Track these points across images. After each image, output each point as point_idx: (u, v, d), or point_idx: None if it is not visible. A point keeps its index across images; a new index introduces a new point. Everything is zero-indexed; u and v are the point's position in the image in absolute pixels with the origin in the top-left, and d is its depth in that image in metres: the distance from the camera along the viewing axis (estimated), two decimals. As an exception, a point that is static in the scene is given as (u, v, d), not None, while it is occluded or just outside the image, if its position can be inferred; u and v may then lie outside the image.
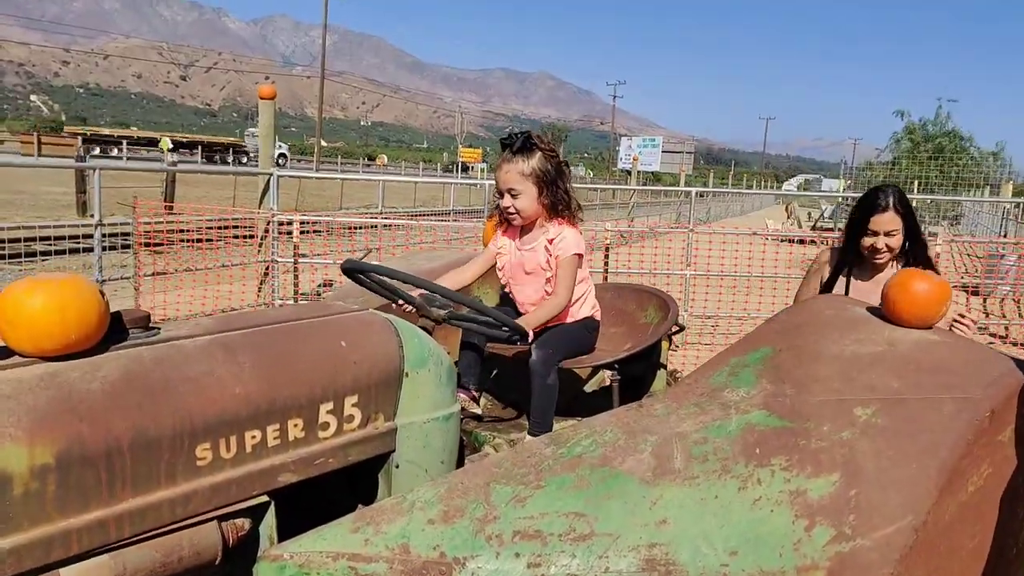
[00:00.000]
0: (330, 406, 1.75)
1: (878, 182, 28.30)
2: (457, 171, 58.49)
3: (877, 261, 2.89)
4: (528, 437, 2.45)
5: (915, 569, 1.45)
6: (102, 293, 1.54)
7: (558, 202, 2.58)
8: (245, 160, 57.95)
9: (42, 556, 1.36)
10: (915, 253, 2.89)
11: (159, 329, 1.69)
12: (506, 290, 2.82)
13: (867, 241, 2.86)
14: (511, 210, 2.59)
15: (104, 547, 1.44)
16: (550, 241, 2.61)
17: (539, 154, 2.53)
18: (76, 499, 1.39)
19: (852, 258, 2.97)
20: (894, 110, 30.15)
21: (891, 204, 2.83)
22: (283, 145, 64.92)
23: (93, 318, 1.48)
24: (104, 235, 7.22)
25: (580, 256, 2.61)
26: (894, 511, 1.45)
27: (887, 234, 2.83)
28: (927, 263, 2.86)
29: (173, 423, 1.51)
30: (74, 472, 1.38)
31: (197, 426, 1.54)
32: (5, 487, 1.31)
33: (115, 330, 1.59)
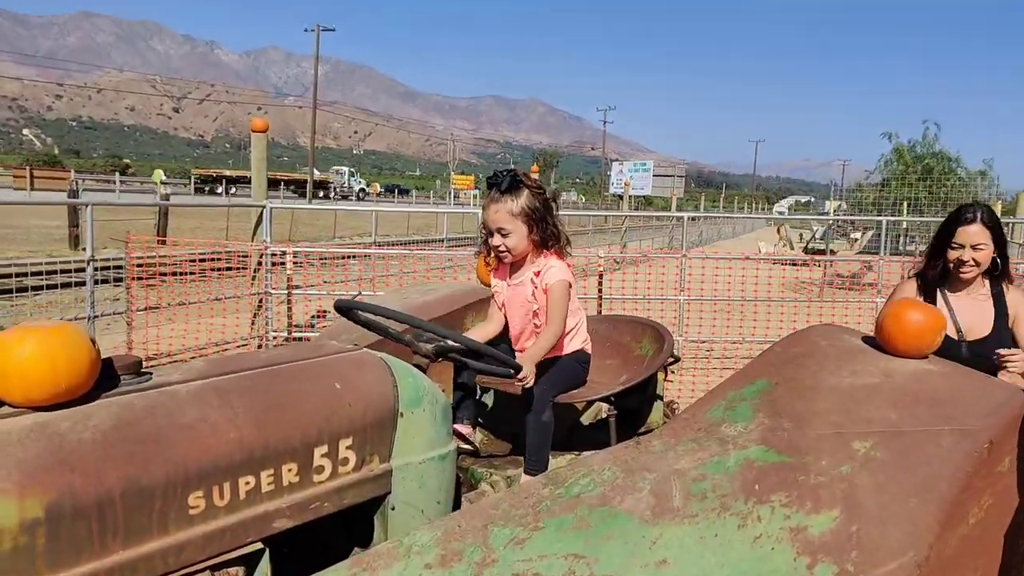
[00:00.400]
0: (325, 449, 1.74)
1: (869, 203, 28.52)
2: (450, 199, 58.70)
3: (963, 275, 2.86)
4: (525, 476, 2.42)
5: (919, 605, 1.43)
6: (93, 341, 1.52)
7: (547, 237, 2.59)
8: (330, 194, 61.13)
9: (32, 612, 1.33)
10: (1003, 271, 2.88)
11: (151, 375, 1.68)
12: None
13: (953, 254, 2.85)
14: (501, 248, 2.60)
15: None
16: (536, 274, 2.61)
17: (526, 192, 2.54)
18: (67, 553, 1.37)
19: (938, 276, 2.94)
20: (882, 132, 30.43)
21: (979, 218, 2.82)
22: (361, 181, 67.46)
23: (84, 366, 1.47)
24: (96, 269, 7.19)
25: (569, 284, 2.61)
26: (896, 547, 1.43)
27: (974, 247, 2.81)
28: (1009, 278, 2.87)
29: (166, 471, 1.49)
30: (65, 525, 1.36)
31: (191, 474, 1.52)
32: (-6, 542, 1.29)
33: (106, 377, 1.58)
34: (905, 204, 23.23)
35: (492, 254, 2.66)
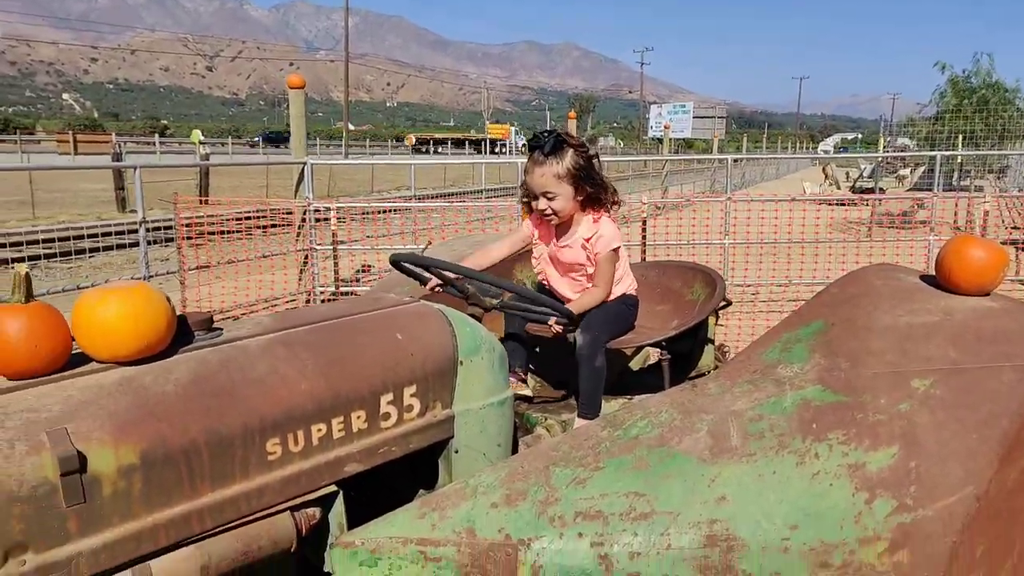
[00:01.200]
0: (390, 397, 1.81)
1: (921, 138, 27.51)
2: (485, 149, 58.23)
3: None
4: (578, 420, 2.48)
5: (977, 538, 1.46)
6: (168, 299, 1.60)
7: (594, 195, 2.56)
8: (504, 151, 60.62)
9: (133, 550, 1.44)
10: None
11: (222, 330, 1.75)
12: (539, 279, 2.83)
13: None
14: (548, 212, 2.55)
15: (189, 539, 1.51)
16: (587, 240, 2.59)
17: (571, 152, 2.48)
18: (161, 495, 1.46)
19: None
20: (935, 63, 29.08)
21: None
22: (523, 136, 66.76)
23: (162, 323, 1.55)
24: (148, 230, 7.41)
25: (617, 250, 2.61)
26: (955, 481, 1.45)
27: None
28: None
29: (243, 421, 1.57)
30: (157, 470, 1.45)
31: (266, 422, 1.60)
32: (95, 487, 1.38)
33: (181, 333, 1.66)
34: (960, 138, 22.37)
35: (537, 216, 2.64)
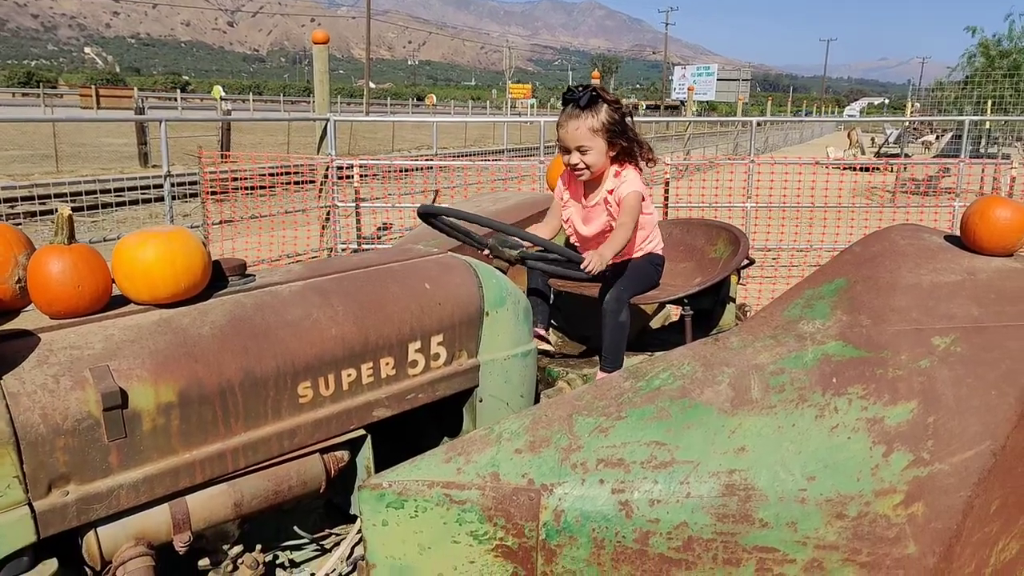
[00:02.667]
0: (418, 345, 1.85)
1: (949, 104, 26.92)
2: (507, 109, 57.70)
3: None
4: (600, 374, 2.51)
5: (992, 492, 1.48)
6: (204, 244, 1.64)
7: (626, 152, 2.57)
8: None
9: (171, 484, 1.50)
10: None
11: (255, 276, 1.80)
12: (572, 241, 2.85)
13: None
14: (580, 166, 2.56)
15: (223, 477, 1.57)
16: (610, 192, 2.61)
17: (605, 107, 2.49)
18: (197, 433, 1.52)
19: None
20: (965, 26, 28.31)
21: None
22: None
23: (199, 267, 1.59)
24: (173, 185, 7.47)
25: (641, 195, 2.61)
26: (972, 436, 1.47)
27: None
28: None
29: (276, 364, 1.62)
30: (194, 409, 1.51)
31: (298, 366, 1.65)
32: (136, 422, 1.44)
33: (216, 278, 1.70)
34: (989, 103, 21.85)
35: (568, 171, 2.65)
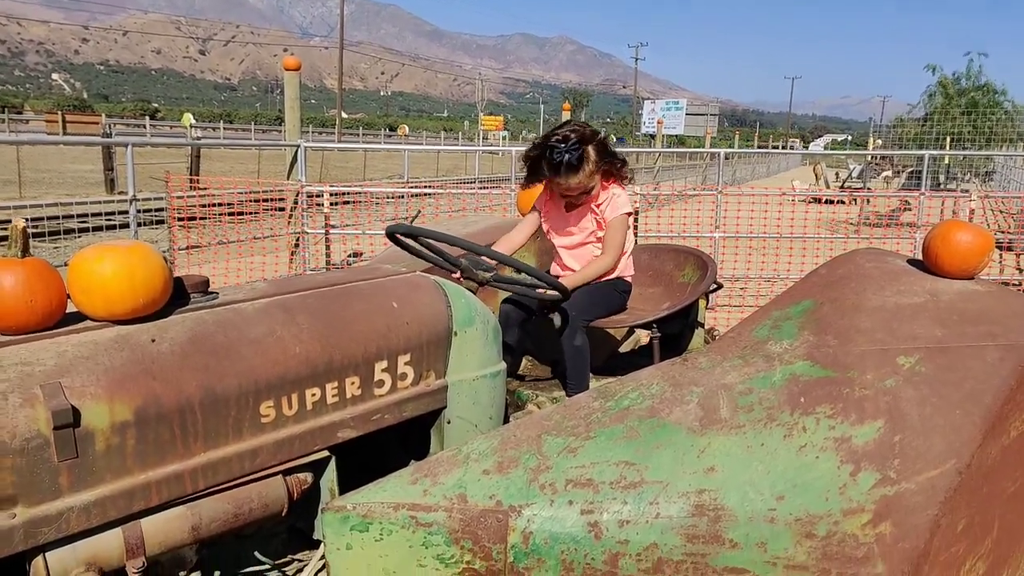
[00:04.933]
0: (384, 364, 1.82)
1: (909, 139, 27.70)
2: (479, 141, 58.09)
3: None
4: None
5: (958, 511, 1.49)
6: (165, 259, 1.60)
7: (612, 171, 2.67)
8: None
9: (124, 507, 1.44)
10: None
11: (217, 294, 1.76)
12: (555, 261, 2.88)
13: None
14: (579, 196, 2.67)
15: (181, 499, 1.52)
16: (597, 205, 2.65)
17: (592, 148, 2.56)
18: (153, 453, 1.47)
19: None
20: (925, 65, 29.29)
21: None
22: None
23: (159, 283, 1.55)
24: (138, 211, 7.36)
25: (629, 215, 2.67)
26: (938, 455, 1.48)
27: None
28: None
29: (238, 382, 1.58)
30: (150, 428, 1.46)
31: (260, 384, 1.61)
32: (88, 442, 1.39)
33: (178, 294, 1.66)
34: (948, 139, 22.50)
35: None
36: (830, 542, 1.44)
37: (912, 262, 2.06)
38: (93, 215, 9.96)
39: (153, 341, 1.52)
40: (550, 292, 2.32)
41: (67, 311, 1.54)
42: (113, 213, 9.35)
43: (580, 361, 2.50)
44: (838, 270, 2.03)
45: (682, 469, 1.51)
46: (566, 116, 16.06)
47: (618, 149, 2.83)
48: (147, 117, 57.51)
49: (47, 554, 1.39)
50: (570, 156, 2.50)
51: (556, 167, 2.53)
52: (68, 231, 9.68)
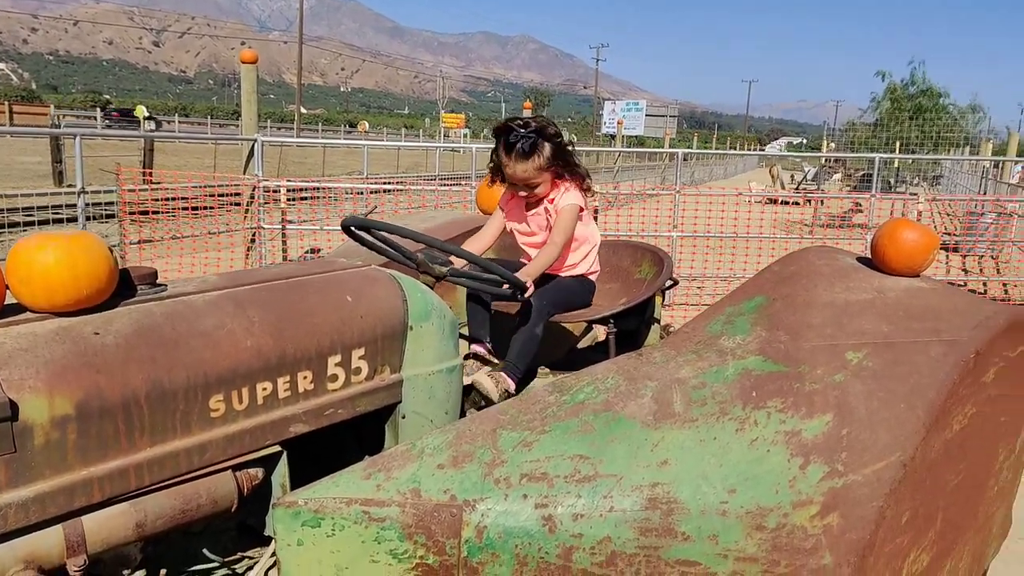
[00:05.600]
0: (338, 359, 1.80)
1: (861, 143, 28.42)
2: (440, 138, 57.85)
3: None
4: (502, 374, 2.46)
5: (903, 502, 1.53)
6: (111, 249, 1.56)
7: (567, 172, 2.65)
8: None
9: (65, 503, 1.40)
10: None
11: (166, 286, 1.72)
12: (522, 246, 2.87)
13: None
14: (528, 195, 2.65)
15: (125, 495, 1.48)
16: (551, 201, 2.65)
17: (548, 145, 2.55)
18: (96, 448, 1.43)
19: None
20: (876, 71, 30.10)
21: None
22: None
23: (103, 273, 1.50)
24: (87, 204, 7.16)
25: (580, 208, 2.65)
26: (883, 448, 1.51)
27: None
28: None
29: (187, 375, 1.54)
30: (93, 422, 1.42)
31: (210, 378, 1.57)
32: (27, 437, 1.34)
33: (124, 286, 1.62)
34: (898, 143, 23.13)
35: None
36: (779, 534, 1.47)
37: (861, 260, 2.10)
38: (39, 208, 9.64)
39: (97, 334, 1.47)
40: (506, 286, 2.31)
41: (6, 302, 1.48)
42: (61, 206, 9.05)
43: (529, 347, 2.50)
44: (790, 267, 2.07)
45: (636, 463, 1.52)
46: (527, 114, 16.08)
47: (581, 147, 2.83)
48: (98, 109, 55.88)
49: None
50: (524, 143, 2.52)
51: (508, 147, 2.56)
52: (13, 224, 9.35)
